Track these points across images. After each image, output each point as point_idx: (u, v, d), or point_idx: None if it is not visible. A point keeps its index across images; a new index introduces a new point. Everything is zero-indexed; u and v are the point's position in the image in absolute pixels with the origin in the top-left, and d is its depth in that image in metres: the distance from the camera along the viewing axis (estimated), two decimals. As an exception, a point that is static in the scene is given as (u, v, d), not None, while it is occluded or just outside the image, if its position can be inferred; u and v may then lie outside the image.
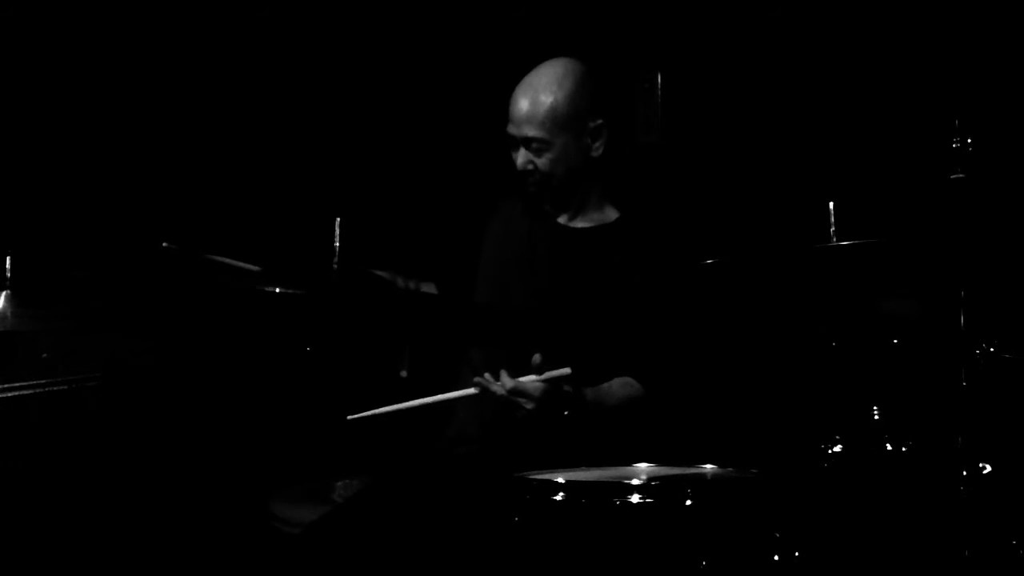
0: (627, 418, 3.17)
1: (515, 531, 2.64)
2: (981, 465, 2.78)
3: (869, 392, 3.07)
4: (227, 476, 3.85)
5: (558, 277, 3.28)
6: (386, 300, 3.28)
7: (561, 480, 2.64)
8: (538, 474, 2.72)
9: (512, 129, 3.27)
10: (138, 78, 4.11)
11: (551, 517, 2.61)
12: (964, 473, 2.73)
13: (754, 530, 2.63)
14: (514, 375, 3.05)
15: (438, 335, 3.45)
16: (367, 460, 3.57)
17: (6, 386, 3.10)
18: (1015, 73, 3.57)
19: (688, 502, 2.57)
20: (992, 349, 2.82)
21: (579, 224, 3.34)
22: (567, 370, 3.04)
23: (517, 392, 3.04)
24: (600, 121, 3.28)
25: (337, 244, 3.12)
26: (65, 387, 3.14)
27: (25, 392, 3.10)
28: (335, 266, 3.12)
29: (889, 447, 2.98)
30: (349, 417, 3.13)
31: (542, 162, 3.25)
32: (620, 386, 3.19)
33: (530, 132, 3.23)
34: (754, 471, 2.77)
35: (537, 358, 3.04)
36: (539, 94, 3.24)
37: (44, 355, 3.35)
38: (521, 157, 3.27)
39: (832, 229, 2.91)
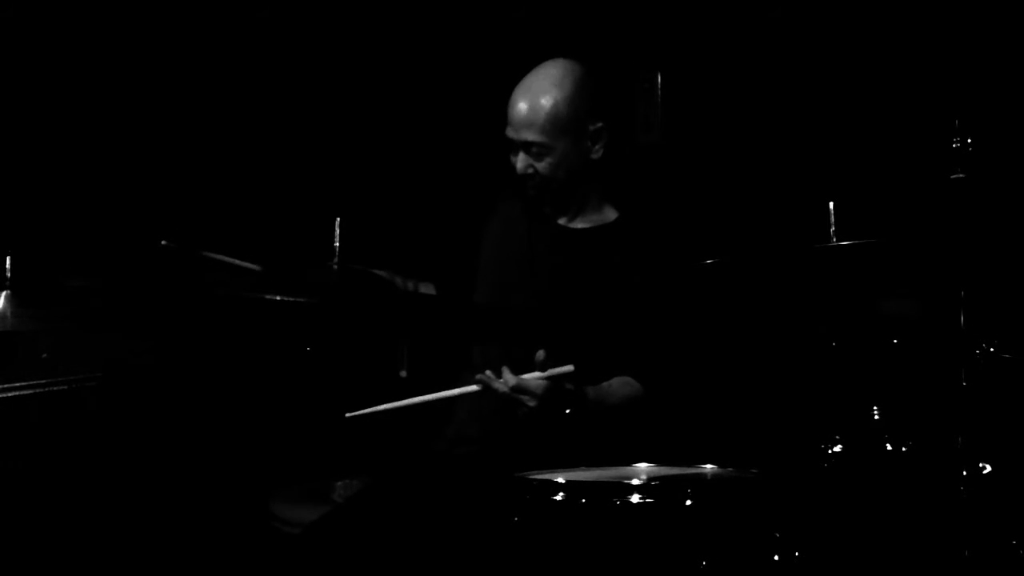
0: (627, 418, 3.17)
1: (515, 531, 2.64)
2: (981, 465, 2.78)
3: (869, 392, 3.07)
4: (227, 476, 3.85)
5: (558, 278, 3.28)
6: (386, 300, 3.28)
7: (561, 480, 2.64)
8: (538, 474, 2.72)
9: (511, 133, 3.26)
10: (138, 78, 4.11)
11: (551, 517, 2.61)
12: (964, 473, 2.73)
13: (754, 530, 2.63)
14: (515, 374, 3.05)
15: (438, 335, 3.45)
16: (367, 460, 3.57)
17: (6, 386, 3.10)
18: (1015, 73, 3.57)
19: (688, 502, 2.57)
20: (992, 349, 2.82)
21: (578, 225, 3.34)
22: (570, 367, 3.04)
23: (520, 389, 3.04)
24: (600, 124, 3.27)
25: (337, 244, 3.12)
26: (65, 387, 3.14)
27: (25, 392, 3.10)
28: (335, 266, 3.12)
29: (889, 447, 2.98)
30: (348, 415, 3.13)
31: (542, 166, 3.24)
32: (620, 385, 3.19)
33: (530, 137, 3.22)
34: (754, 471, 2.76)
35: (541, 354, 3.04)
36: (538, 98, 3.22)
37: (44, 355, 3.35)
38: (521, 161, 3.26)
39: (832, 229, 2.90)
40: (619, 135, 3.34)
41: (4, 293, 3.15)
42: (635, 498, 2.57)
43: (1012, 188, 2.83)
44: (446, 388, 3.16)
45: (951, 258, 2.75)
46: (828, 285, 3.01)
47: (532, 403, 3.04)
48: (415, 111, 4.21)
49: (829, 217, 2.91)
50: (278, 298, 3.07)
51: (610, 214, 3.35)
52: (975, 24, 3.63)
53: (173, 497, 3.77)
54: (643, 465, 2.86)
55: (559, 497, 2.60)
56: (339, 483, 3.46)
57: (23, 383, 3.13)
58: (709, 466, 2.83)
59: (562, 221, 3.34)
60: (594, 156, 3.28)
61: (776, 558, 2.62)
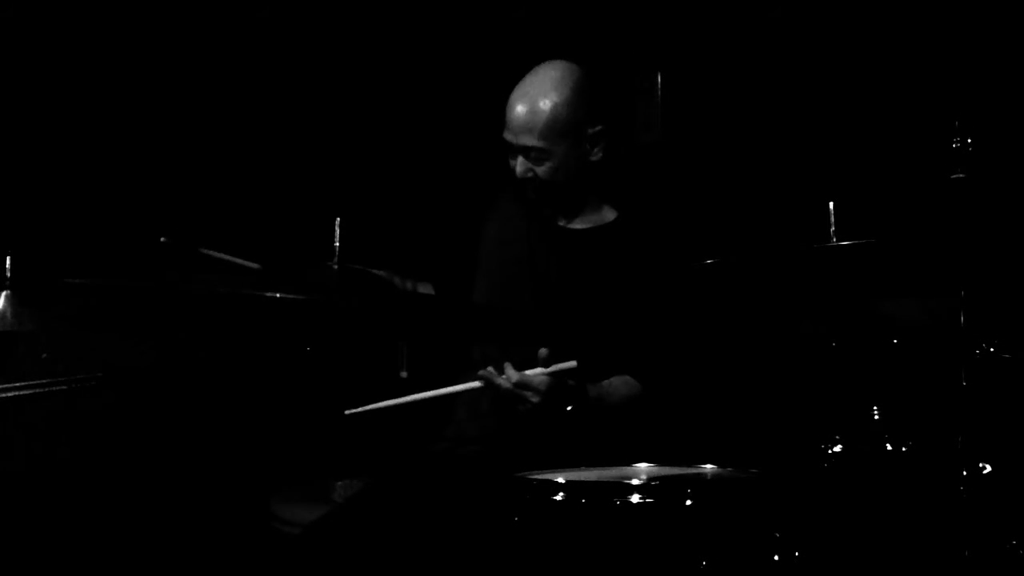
0: (627, 417, 3.17)
1: (515, 531, 2.64)
2: (981, 465, 2.78)
3: (869, 392, 3.07)
4: (227, 476, 3.85)
5: (557, 278, 3.28)
6: (385, 300, 3.28)
7: (561, 480, 2.64)
8: (538, 474, 2.72)
9: (509, 137, 3.24)
10: (138, 78, 4.11)
11: (551, 517, 2.61)
12: (964, 473, 2.73)
13: (754, 530, 2.63)
14: (517, 371, 3.05)
15: (437, 335, 3.45)
16: (367, 460, 3.57)
17: (6, 386, 3.09)
18: (1015, 73, 3.57)
19: (688, 502, 2.57)
20: (992, 349, 2.82)
21: (577, 225, 3.34)
22: (573, 363, 3.04)
23: (523, 385, 3.03)
24: (599, 127, 3.25)
25: (337, 244, 3.12)
26: (65, 387, 3.14)
27: (25, 392, 3.10)
28: (335, 266, 3.12)
29: (889, 447, 2.98)
30: (348, 411, 3.12)
31: (542, 171, 3.24)
32: (620, 384, 3.19)
33: (529, 142, 3.21)
34: (754, 471, 2.76)
35: (544, 352, 3.04)
36: (537, 102, 3.21)
37: (44, 355, 3.35)
38: (520, 166, 3.24)
39: (832, 229, 2.90)
40: (619, 135, 3.34)
41: (4, 293, 3.15)
42: (635, 498, 2.57)
43: (1012, 188, 2.83)
44: (447, 385, 3.16)
45: (951, 258, 2.75)
46: (828, 285, 3.01)
47: (535, 399, 3.04)
48: (415, 111, 4.21)
49: (829, 217, 2.91)
50: (278, 295, 3.07)
51: (609, 214, 3.35)
52: (975, 24, 3.63)
53: (173, 497, 3.77)
54: (643, 465, 2.86)
55: (559, 497, 2.60)
56: (339, 483, 3.46)
57: (23, 383, 3.13)
58: (709, 466, 2.83)
59: (561, 222, 3.34)
60: (593, 159, 3.27)
61: (776, 558, 2.62)
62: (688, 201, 3.91)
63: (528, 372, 3.05)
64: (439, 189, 4.12)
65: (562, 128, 3.21)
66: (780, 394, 3.50)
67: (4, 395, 3.07)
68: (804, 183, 3.76)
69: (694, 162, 4.03)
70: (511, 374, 3.04)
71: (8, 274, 3.15)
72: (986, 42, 3.62)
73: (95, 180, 4.06)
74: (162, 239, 3.38)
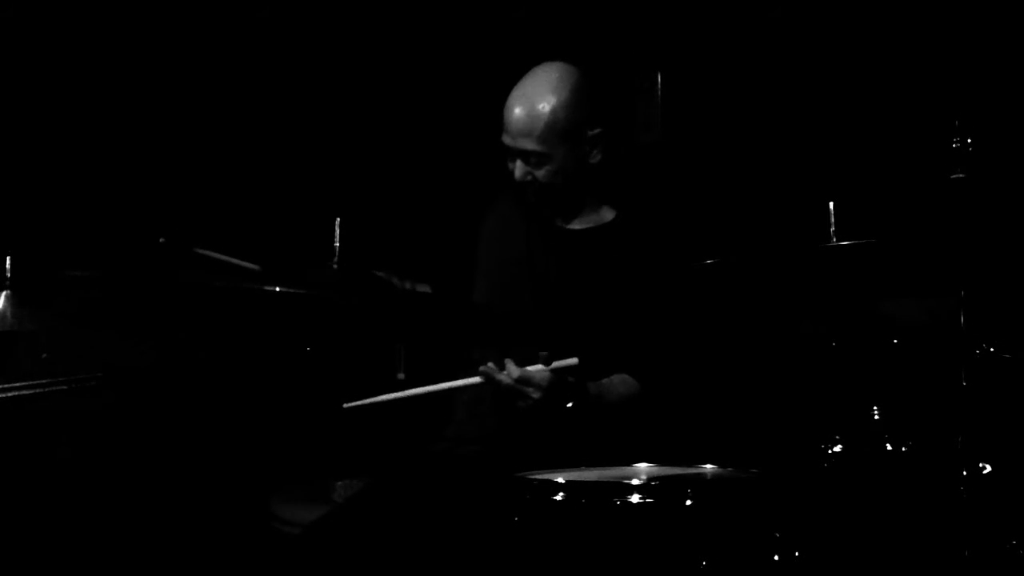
0: (626, 415, 3.17)
1: (515, 531, 2.64)
2: (981, 465, 2.78)
3: (869, 392, 3.07)
4: (227, 476, 3.85)
5: (556, 279, 3.28)
6: (384, 300, 3.27)
7: (561, 480, 2.64)
8: (538, 474, 2.72)
9: (507, 141, 3.23)
10: (138, 78, 4.11)
11: (551, 517, 2.61)
12: (964, 473, 2.73)
13: (754, 530, 2.63)
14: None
15: (437, 335, 3.45)
16: (367, 460, 3.57)
17: (6, 386, 3.09)
18: (1015, 73, 3.57)
19: (688, 502, 2.57)
20: (992, 349, 2.82)
21: (576, 226, 3.33)
22: (575, 360, 3.04)
23: (524, 381, 3.03)
24: (598, 130, 3.24)
25: (337, 244, 3.12)
26: (65, 387, 3.14)
27: (25, 392, 3.10)
28: (335, 266, 3.12)
29: (889, 447, 2.98)
30: (346, 405, 3.12)
31: (541, 174, 3.23)
32: (620, 383, 3.19)
33: (528, 146, 3.20)
34: (754, 471, 2.77)
35: (544, 355, 3.04)
36: (535, 106, 3.19)
37: (44, 355, 3.35)
38: (519, 170, 3.23)
39: (832, 229, 2.90)
40: (619, 135, 3.34)
41: (4, 293, 3.15)
42: (635, 498, 2.57)
43: (1012, 188, 2.83)
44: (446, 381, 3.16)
45: (951, 258, 2.75)
46: (828, 285, 3.01)
47: (536, 395, 3.03)
48: (415, 111, 4.21)
49: (829, 217, 2.91)
50: (277, 289, 3.07)
51: (608, 214, 3.35)
52: (975, 24, 3.63)
53: (173, 497, 3.77)
54: (643, 465, 2.86)
55: (559, 497, 2.60)
56: (339, 483, 3.46)
57: (23, 383, 3.13)
58: (709, 466, 2.83)
59: (560, 222, 3.33)
60: (592, 161, 3.26)
61: (776, 558, 2.62)
62: (688, 201, 3.91)
63: (529, 368, 3.05)
64: (439, 189, 4.12)
65: (561, 132, 3.19)
66: (780, 394, 3.50)
67: (4, 395, 3.07)
68: (804, 183, 3.76)
69: (694, 162, 4.03)
70: (512, 370, 3.04)
71: (8, 274, 3.15)
72: (986, 42, 3.62)
73: (95, 180, 4.06)
74: (161, 240, 3.37)
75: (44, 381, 3.13)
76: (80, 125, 4.06)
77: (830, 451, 3.00)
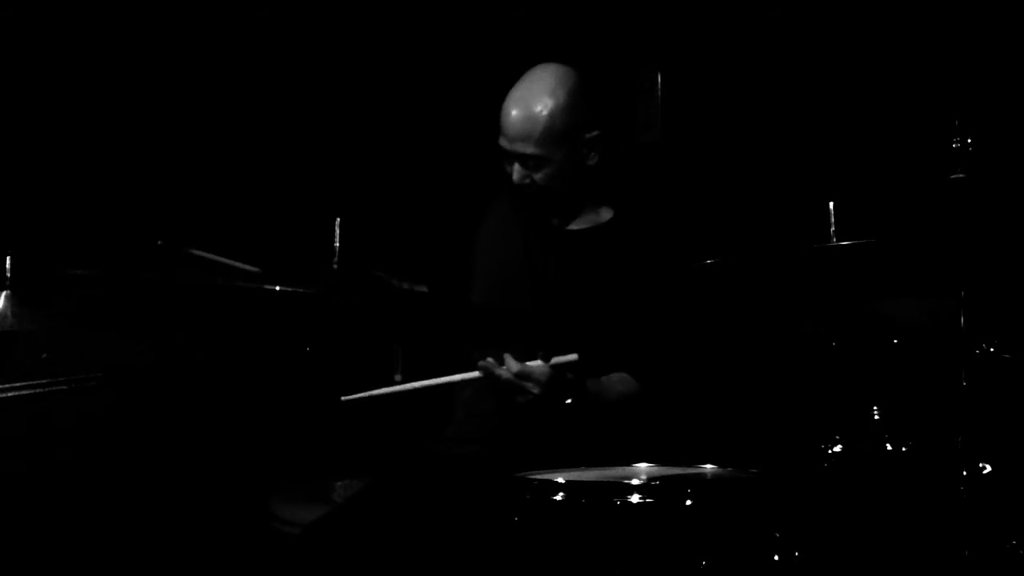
0: (624, 414, 3.17)
1: (515, 531, 2.64)
2: (981, 465, 2.78)
3: (869, 392, 3.07)
4: (227, 476, 3.85)
5: (554, 279, 3.27)
6: (385, 300, 3.27)
7: (561, 480, 2.64)
8: (538, 474, 2.72)
9: (505, 144, 3.22)
10: (138, 78, 4.11)
11: (551, 517, 2.61)
12: (964, 473, 2.73)
13: (754, 530, 2.63)
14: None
15: (436, 335, 3.45)
16: (367, 460, 3.57)
17: (6, 386, 3.09)
18: (1015, 73, 3.57)
19: (688, 502, 2.57)
20: (992, 349, 2.82)
21: (574, 226, 3.33)
22: (574, 356, 3.04)
23: (523, 376, 3.03)
24: (596, 132, 3.24)
25: (337, 244, 3.12)
26: (65, 387, 3.14)
27: (25, 392, 3.10)
28: (335, 266, 3.12)
29: (889, 447, 2.98)
30: (344, 398, 3.12)
31: (539, 177, 3.22)
32: (618, 381, 3.19)
33: (526, 149, 3.19)
34: (754, 471, 2.77)
35: (542, 355, 3.04)
36: (532, 109, 3.17)
37: (44, 355, 3.35)
38: (517, 173, 3.22)
39: (832, 229, 2.90)
40: (618, 136, 3.34)
41: (4, 293, 3.15)
42: (635, 498, 2.57)
43: (1012, 188, 2.83)
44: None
45: (951, 258, 2.75)
46: (828, 285, 3.01)
47: (535, 390, 3.03)
48: (415, 111, 4.21)
49: (829, 217, 2.91)
50: (277, 288, 3.06)
51: (606, 214, 3.34)
52: (975, 24, 3.63)
53: (173, 497, 3.77)
54: (643, 465, 2.86)
55: (559, 497, 2.60)
56: (339, 483, 3.46)
57: (23, 383, 3.13)
58: (709, 466, 2.83)
59: (557, 223, 3.32)
60: (590, 163, 3.25)
61: (776, 558, 2.62)
62: (688, 201, 3.92)
63: (529, 363, 3.04)
64: (439, 190, 4.12)
65: (559, 135, 3.18)
66: (780, 394, 3.50)
67: (4, 395, 3.07)
68: (804, 183, 3.76)
69: (694, 162, 4.03)
70: (511, 364, 3.03)
71: (8, 274, 3.15)
72: (986, 42, 3.62)
73: (95, 181, 4.06)
74: (159, 243, 3.38)
75: (44, 381, 3.13)
76: (80, 125, 4.07)
77: (830, 451, 3.00)
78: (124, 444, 3.71)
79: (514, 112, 3.19)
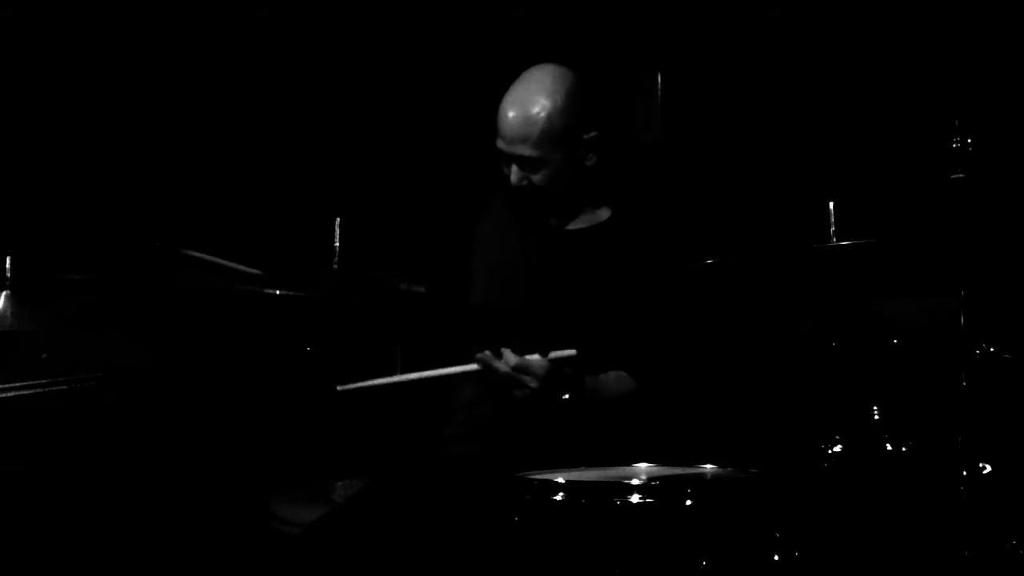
0: (621, 412, 3.17)
1: (515, 531, 2.64)
2: (981, 465, 2.78)
3: (869, 392, 3.07)
4: (227, 476, 3.85)
5: (552, 280, 3.27)
6: (384, 301, 3.27)
7: (561, 480, 2.64)
8: (538, 474, 2.72)
9: (503, 145, 3.22)
10: (138, 78, 4.11)
11: (551, 517, 2.61)
12: (964, 473, 2.73)
13: (754, 530, 2.63)
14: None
15: (435, 335, 3.45)
16: (367, 460, 3.57)
17: (6, 386, 3.09)
18: (1015, 73, 3.57)
19: (688, 502, 2.57)
20: (992, 349, 2.82)
21: (572, 226, 3.32)
22: (573, 351, 3.04)
23: (521, 369, 3.02)
24: (594, 133, 3.23)
25: (337, 244, 3.12)
26: (65, 387, 3.14)
27: (25, 392, 3.10)
28: (335, 266, 3.12)
29: (889, 447, 2.98)
30: (339, 387, 3.12)
31: (538, 178, 3.21)
32: (616, 379, 3.19)
33: (524, 151, 3.18)
34: (754, 471, 2.77)
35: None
36: (530, 111, 3.17)
37: (44, 355, 3.35)
38: (515, 175, 3.22)
39: (832, 229, 2.90)
40: (615, 137, 3.33)
41: (4, 293, 3.15)
42: (635, 498, 2.57)
43: (1012, 188, 2.83)
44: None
45: (951, 258, 2.75)
46: (828, 285, 3.01)
47: (533, 384, 3.03)
48: (415, 111, 4.21)
49: (829, 217, 2.91)
50: (277, 292, 3.07)
51: (603, 214, 3.34)
52: (975, 24, 3.63)
53: (173, 497, 3.77)
54: (643, 465, 2.86)
55: (559, 497, 2.60)
56: (339, 483, 3.46)
57: (23, 383, 3.13)
58: (709, 466, 2.83)
59: (555, 223, 3.32)
60: (588, 163, 3.25)
61: (776, 558, 2.62)
62: (688, 201, 3.91)
63: (527, 357, 3.04)
64: (439, 190, 4.12)
65: (557, 136, 3.18)
66: (780, 394, 3.50)
67: (4, 395, 3.07)
68: (804, 183, 3.76)
69: (694, 162, 4.03)
70: (509, 357, 3.02)
71: (8, 274, 3.15)
72: (986, 42, 3.62)
73: (95, 181, 4.05)
74: (157, 244, 3.37)
75: (44, 381, 3.13)
76: (80, 125, 4.06)
77: (830, 451, 3.00)
78: (124, 444, 3.71)
79: (511, 113, 3.19)
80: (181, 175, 4.13)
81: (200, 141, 4.16)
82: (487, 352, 3.04)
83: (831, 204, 2.92)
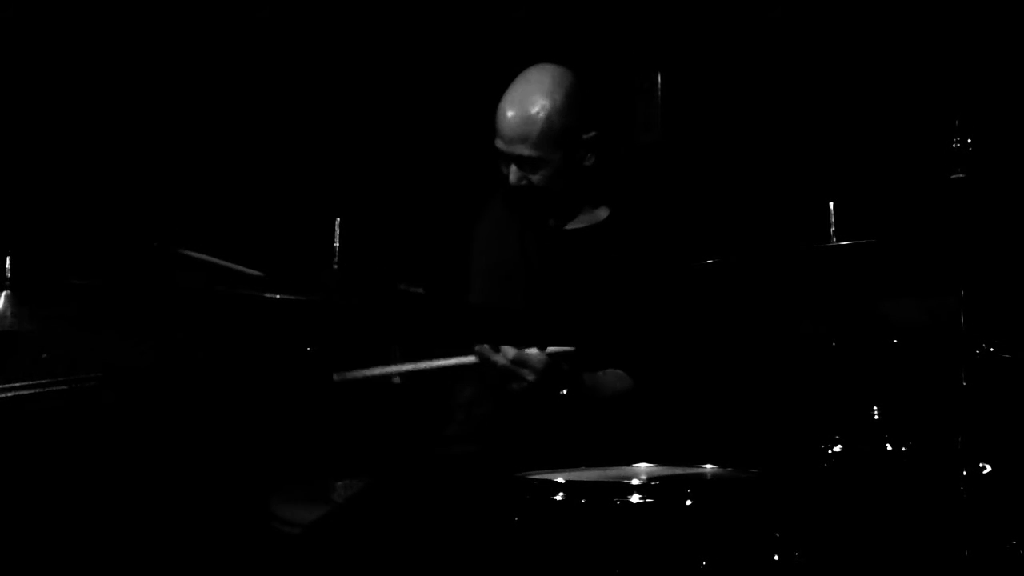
0: (617, 410, 3.17)
1: (515, 531, 2.64)
2: (981, 465, 2.78)
3: (869, 392, 3.07)
4: (227, 476, 3.85)
5: (552, 281, 3.27)
6: (383, 301, 3.27)
7: (561, 480, 2.64)
8: (538, 474, 2.72)
9: (501, 145, 3.22)
10: (138, 78, 4.11)
11: (551, 517, 2.61)
12: (964, 473, 2.73)
13: (754, 530, 2.63)
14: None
15: (434, 335, 3.44)
16: (367, 460, 3.57)
17: (6, 386, 3.09)
18: (1015, 73, 3.57)
19: (688, 502, 2.57)
20: (992, 349, 2.82)
21: (570, 226, 3.33)
22: (571, 347, 3.04)
23: (519, 362, 3.02)
24: (593, 133, 3.23)
25: (337, 244, 3.12)
26: (65, 387, 3.14)
27: (25, 392, 3.10)
28: (335, 266, 3.12)
29: (889, 447, 2.98)
30: (336, 376, 3.11)
31: (537, 178, 3.21)
32: (614, 377, 3.19)
33: (523, 151, 3.18)
34: (754, 471, 2.77)
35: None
36: (529, 110, 3.17)
37: (44, 355, 3.35)
38: (514, 175, 3.22)
39: (832, 229, 2.90)
40: (614, 137, 3.33)
41: (4, 293, 3.15)
42: (635, 498, 2.57)
43: (1012, 188, 2.83)
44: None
45: (951, 258, 2.75)
46: (828, 285, 3.01)
47: (530, 376, 3.02)
48: (415, 111, 4.21)
49: (829, 217, 2.91)
50: (278, 296, 3.07)
51: (602, 213, 3.34)
52: (975, 24, 3.63)
53: (173, 497, 3.77)
54: (643, 465, 2.86)
55: (559, 497, 2.60)
56: (339, 483, 3.46)
57: (23, 383, 3.13)
58: (709, 466, 2.83)
59: (554, 223, 3.32)
60: (587, 163, 3.25)
61: (776, 558, 2.62)
62: (688, 201, 3.92)
63: (525, 350, 3.03)
64: (439, 190, 4.12)
65: (557, 136, 3.18)
66: (780, 394, 3.50)
67: (4, 395, 3.07)
68: (804, 183, 3.76)
69: (694, 162, 4.03)
70: (507, 350, 3.02)
71: (8, 274, 3.15)
72: (986, 42, 3.62)
73: (95, 181, 4.05)
74: (156, 245, 3.38)
75: (44, 381, 3.13)
76: (80, 126, 4.06)
77: (830, 451, 3.00)
78: (124, 444, 3.71)
79: (510, 113, 3.19)
80: (181, 176, 4.13)
81: (200, 142, 4.16)
82: (485, 345, 3.04)
83: (831, 204, 2.92)
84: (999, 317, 2.89)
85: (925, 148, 3.28)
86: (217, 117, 4.17)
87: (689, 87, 4.07)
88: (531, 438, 3.12)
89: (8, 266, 3.15)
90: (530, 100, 3.18)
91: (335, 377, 3.11)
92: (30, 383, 3.12)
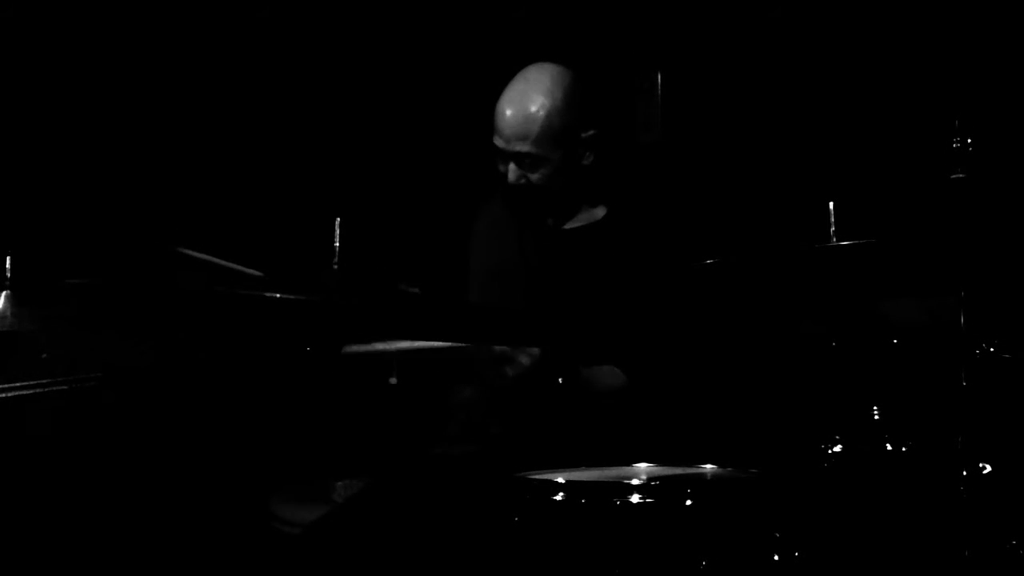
0: (610, 406, 3.16)
1: (515, 531, 2.64)
2: (981, 465, 2.78)
3: (869, 392, 3.07)
4: (227, 476, 3.85)
5: (551, 280, 3.27)
6: (383, 301, 3.27)
7: (561, 480, 2.64)
8: (538, 474, 2.72)
9: (500, 143, 3.22)
10: (138, 78, 4.11)
11: (551, 517, 2.61)
12: (964, 473, 2.73)
13: (754, 530, 2.63)
14: None
15: (434, 337, 3.44)
16: (367, 460, 3.57)
17: (6, 386, 3.09)
18: (1015, 73, 3.57)
19: (688, 502, 2.57)
20: (992, 349, 2.82)
21: (568, 225, 3.33)
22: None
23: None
24: (592, 132, 3.23)
25: (337, 244, 3.11)
26: (65, 387, 3.14)
27: (25, 392, 3.10)
28: (335, 266, 3.11)
29: (889, 447, 2.98)
30: (344, 350, 3.12)
31: (536, 177, 3.22)
32: (609, 374, 3.19)
33: (522, 149, 3.18)
34: (754, 471, 2.77)
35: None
36: (528, 109, 3.17)
37: (44, 355, 3.35)
38: (512, 173, 3.22)
39: (832, 229, 2.90)
40: (613, 136, 3.33)
41: (4, 293, 3.15)
42: (635, 498, 2.57)
43: (1012, 188, 2.82)
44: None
45: (951, 258, 2.75)
46: (828, 285, 3.01)
47: (525, 360, 3.02)
48: (416, 111, 4.21)
49: (829, 217, 2.91)
50: (278, 296, 3.06)
51: (600, 212, 3.34)
52: (975, 24, 3.63)
53: (173, 497, 3.77)
54: (643, 465, 2.86)
55: (559, 497, 2.60)
56: (339, 483, 3.46)
57: (23, 383, 3.13)
58: (709, 466, 2.83)
59: (552, 222, 3.32)
60: (586, 162, 3.25)
61: (776, 558, 2.62)
62: (688, 201, 3.92)
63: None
64: (438, 190, 4.12)
65: (556, 135, 3.18)
66: (780, 394, 3.50)
67: (4, 395, 3.07)
68: (804, 183, 3.76)
69: (694, 162, 4.03)
70: None
71: (8, 274, 3.14)
72: (986, 42, 3.62)
73: (95, 181, 4.05)
74: (155, 245, 3.37)
75: (44, 381, 3.13)
76: (81, 126, 4.06)
77: (830, 451, 2.99)
78: (124, 444, 3.71)
79: (510, 112, 3.19)
80: (181, 175, 4.13)
81: (200, 142, 4.16)
82: None
83: (831, 204, 2.92)
84: (999, 317, 2.89)
85: (925, 148, 3.28)
86: (217, 117, 4.17)
87: (689, 87, 4.07)
88: (531, 438, 3.11)
89: (8, 266, 3.15)
90: (530, 98, 3.18)
91: (344, 351, 3.10)
92: (30, 383, 3.12)
